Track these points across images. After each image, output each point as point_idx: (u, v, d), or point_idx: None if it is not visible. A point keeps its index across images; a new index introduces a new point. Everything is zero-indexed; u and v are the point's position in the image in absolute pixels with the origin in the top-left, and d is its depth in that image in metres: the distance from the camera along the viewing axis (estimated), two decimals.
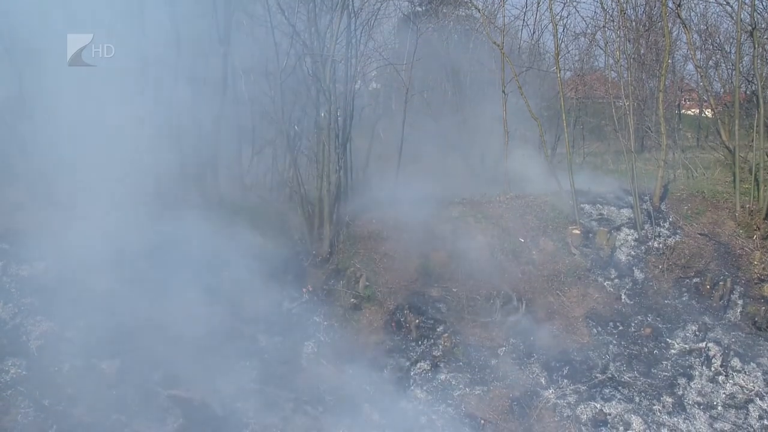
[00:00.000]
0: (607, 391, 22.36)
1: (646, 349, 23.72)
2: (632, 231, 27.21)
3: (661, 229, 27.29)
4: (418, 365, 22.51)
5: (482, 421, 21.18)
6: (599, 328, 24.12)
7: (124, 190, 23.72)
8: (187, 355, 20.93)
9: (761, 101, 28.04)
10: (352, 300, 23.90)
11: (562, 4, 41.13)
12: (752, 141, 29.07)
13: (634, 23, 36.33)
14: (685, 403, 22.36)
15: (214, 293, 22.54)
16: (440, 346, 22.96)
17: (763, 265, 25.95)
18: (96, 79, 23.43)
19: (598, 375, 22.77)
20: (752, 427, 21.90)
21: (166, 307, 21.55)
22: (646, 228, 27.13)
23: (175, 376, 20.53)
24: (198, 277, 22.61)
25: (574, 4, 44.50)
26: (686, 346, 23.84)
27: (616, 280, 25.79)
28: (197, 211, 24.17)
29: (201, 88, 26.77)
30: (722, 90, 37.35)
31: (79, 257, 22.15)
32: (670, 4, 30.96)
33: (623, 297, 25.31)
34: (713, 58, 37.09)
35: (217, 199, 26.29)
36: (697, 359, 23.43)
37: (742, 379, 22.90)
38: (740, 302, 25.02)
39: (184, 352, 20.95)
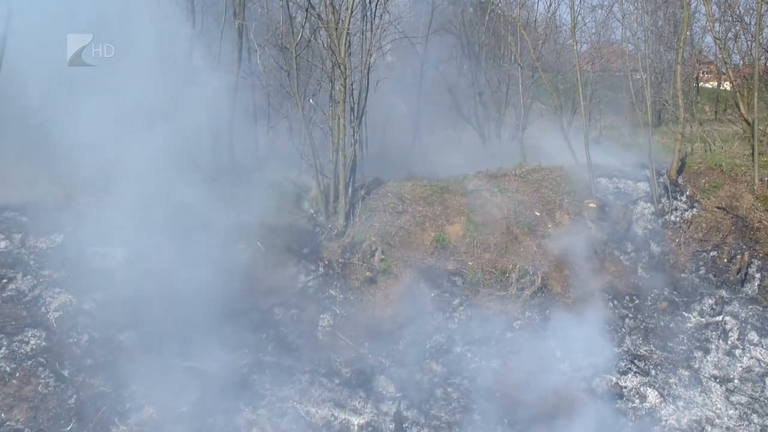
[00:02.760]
0: (623, 364, 22.36)
1: (662, 323, 23.69)
2: (649, 204, 27.09)
3: (678, 203, 27.15)
4: (434, 338, 22.54)
5: (498, 394, 21.23)
6: (615, 302, 24.09)
7: (139, 164, 23.78)
8: (203, 328, 21.07)
9: None
10: (368, 273, 23.92)
11: None
12: None
13: None
14: (702, 377, 22.34)
15: (230, 266, 22.62)
16: (456, 320, 22.98)
17: None
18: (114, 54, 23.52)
19: (614, 348, 22.76)
20: None
21: (182, 279, 21.65)
22: (663, 201, 27.00)
23: (192, 348, 20.67)
24: (214, 250, 22.70)
25: None
26: (703, 319, 23.78)
27: (633, 254, 25.71)
28: (213, 185, 24.24)
29: (216, 63, 26.75)
30: (741, 62, 36.94)
31: (95, 230, 22.32)
32: None
33: (639, 271, 25.24)
34: (732, 29, 36.58)
35: (232, 174, 26.31)
36: (714, 333, 23.38)
37: (759, 353, 22.84)
38: (758, 276, 24.90)
39: (200, 324, 21.09)
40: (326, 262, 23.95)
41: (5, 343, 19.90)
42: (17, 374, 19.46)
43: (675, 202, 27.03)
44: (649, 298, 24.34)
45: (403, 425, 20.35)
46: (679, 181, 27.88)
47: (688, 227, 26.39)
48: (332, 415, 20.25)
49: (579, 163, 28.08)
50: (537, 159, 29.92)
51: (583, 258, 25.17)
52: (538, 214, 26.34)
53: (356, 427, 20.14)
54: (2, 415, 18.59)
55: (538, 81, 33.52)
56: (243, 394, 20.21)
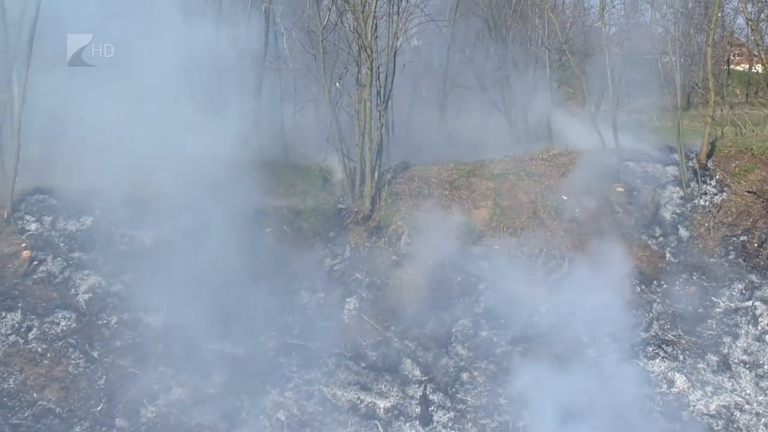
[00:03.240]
0: (651, 349, 22.23)
1: (690, 308, 23.49)
2: (677, 189, 26.83)
3: (708, 187, 26.85)
4: (460, 322, 22.54)
5: (524, 378, 21.20)
6: (643, 287, 23.92)
7: (167, 149, 23.92)
8: (230, 310, 21.24)
9: None
10: (394, 257, 23.94)
11: None
12: None
13: None
14: (731, 362, 22.16)
15: (257, 249, 22.75)
16: (482, 304, 22.94)
17: None
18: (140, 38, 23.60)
19: (641, 333, 22.62)
20: None
21: (209, 262, 21.82)
22: (691, 185, 26.72)
23: (219, 330, 20.84)
24: (241, 233, 22.81)
25: None
26: (732, 304, 23.56)
27: (661, 239, 25.51)
28: (240, 168, 24.30)
29: (243, 46, 26.77)
30: None
31: (124, 212, 22.54)
32: None
33: (668, 255, 25.04)
34: (765, 10, 36.05)
35: (259, 157, 26.39)
36: (744, 318, 23.16)
37: None
38: None
39: (228, 307, 21.26)
40: (352, 246, 23.98)
41: (36, 324, 20.19)
42: (48, 355, 19.74)
43: (704, 186, 26.74)
44: (678, 282, 24.15)
45: (429, 408, 20.40)
46: (709, 165, 27.56)
47: (718, 211, 26.11)
48: (358, 398, 20.35)
49: (606, 147, 27.84)
50: (564, 143, 29.70)
51: (611, 242, 24.98)
52: (565, 198, 26.16)
53: (382, 410, 20.22)
54: (34, 394, 18.88)
55: (566, 64, 33.22)
56: (270, 377, 20.36)
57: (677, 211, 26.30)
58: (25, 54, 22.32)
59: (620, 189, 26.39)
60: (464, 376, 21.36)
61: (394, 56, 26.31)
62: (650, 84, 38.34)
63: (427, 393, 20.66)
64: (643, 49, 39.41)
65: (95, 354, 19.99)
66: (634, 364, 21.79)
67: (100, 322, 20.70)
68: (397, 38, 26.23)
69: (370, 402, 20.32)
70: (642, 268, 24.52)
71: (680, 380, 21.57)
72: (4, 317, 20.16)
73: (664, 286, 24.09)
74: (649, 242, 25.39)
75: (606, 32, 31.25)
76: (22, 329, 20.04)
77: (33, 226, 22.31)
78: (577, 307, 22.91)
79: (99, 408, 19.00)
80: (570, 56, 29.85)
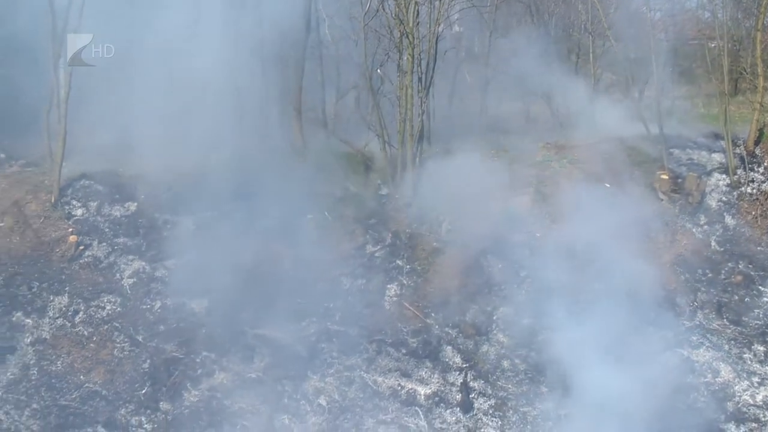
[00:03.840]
0: (695, 338, 21.93)
1: (736, 297, 23.13)
2: (724, 176, 26.41)
3: (755, 174, 26.39)
4: (501, 310, 22.44)
5: (566, 365, 21.05)
6: (687, 275, 23.60)
7: (210, 134, 24.13)
8: (272, 296, 21.39)
9: None
10: (435, 244, 23.89)
11: None
12: None
13: None
14: None
15: (298, 236, 22.90)
16: (524, 291, 22.81)
17: None
18: (183, 26, 23.79)
19: (685, 322, 22.34)
20: None
21: (252, 248, 22.01)
22: (738, 173, 26.29)
23: (261, 315, 21.02)
24: (283, 219, 22.99)
25: None
26: None
27: (706, 227, 25.13)
28: (281, 155, 24.47)
29: (285, 33, 26.83)
30: None
31: (168, 198, 22.81)
32: None
33: (713, 244, 24.67)
34: None
35: (301, 143, 26.51)
36: None
37: None
38: None
39: (270, 292, 21.42)
40: (393, 233, 23.99)
41: (83, 308, 20.56)
42: (94, 338, 20.09)
43: (751, 173, 26.29)
44: (723, 271, 23.80)
45: (470, 395, 20.37)
46: (757, 152, 27.07)
47: (766, 199, 25.65)
48: (399, 384, 20.38)
49: (651, 134, 27.46)
50: (608, 130, 29.31)
51: (654, 230, 24.70)
52: (608, 185, 25.86)
53: (422, 397, 20.23)
54: (81, 377, 19.23)
55: (610, 50, 32.76)
56: (311, 362, 20.49)
57: (723, 198, 25.89)
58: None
59: (664, 176, 26.04)
60: (505, 363, 21.28)
61: (436, 43, 26.19)
62: (696, 70, 37.79)
63: (468, 380, 20.63)
64: (690, 34, 38.81)
65: (140, 338, 20.28)
66: (678, 354, 21.50)
67: (144, 306, 20.99)
68: (439, 24, 26.09)
69: (411, 388, 20.33)
70: (686, 257, 24.19)
71: (725, 370, 21.25)
72: (52, 301, 20.56)
73: (709, 274, 23.75)
74: (694, 230, 25.03)
75: (651, 17, 30.75)
76: (69, 313, 20.42)
77: (79, 212, 22.67)
78: (620, 295, 22.62)
79: (143, 391, 19.29)
80: (614, 42, 29.39)
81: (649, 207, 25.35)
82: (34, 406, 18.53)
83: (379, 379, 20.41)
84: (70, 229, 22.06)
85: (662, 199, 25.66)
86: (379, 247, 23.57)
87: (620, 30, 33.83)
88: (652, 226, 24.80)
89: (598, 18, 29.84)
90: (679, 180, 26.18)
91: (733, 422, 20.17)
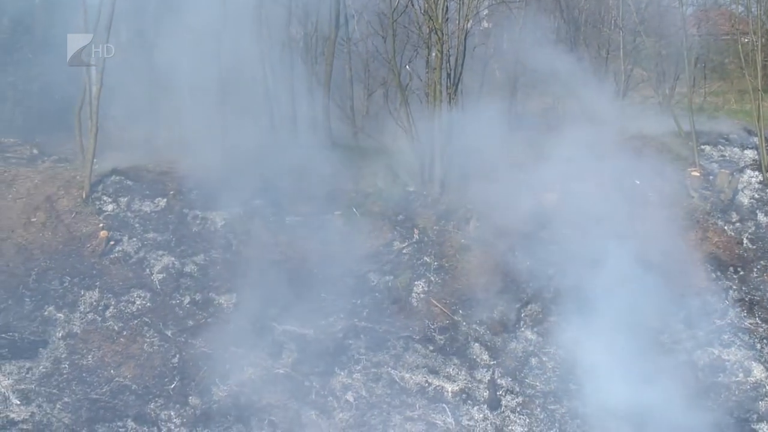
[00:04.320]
0: (726, 337, 21.70)
1: None
2: (756, 173, 26.10)
3: None
4: (529, 307, 22.36)
5: (593, 366, 20.93)
6: (718, 273, 23.33)
7: (239, 130, 24.27)
8: (300, 291, 21.47)
9: None
10: (463, 241, 23.82)
11: None
12: None
13: None
14: None
15: (326, 232, 22.96)
16: (552, 289, 22.69)
17: None
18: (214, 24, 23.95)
19: (716, 320, 22.09)
20: None
21: (278, 243, 22.11)
22: None
23: (289, 311, 21.12)
24: (311, 215, 23.08)
25: None
26: None
27: (738, 224, 24.83)
28: (309, 151, 24.51)
29: (313, 29, 26.95)
30: None
31: (197, 194, 22.97)
32: None
33: (745, 241, 24.38)
34: None
35: (329, 139, 26.54)
36: None
37: None
38: None
39: (297, 288, 21.50)
40: (421, 229, 23.95)
41: (113, 303, 20.77)
42: (124, 333, 20.29)
43: None
44: (756, 269, 23.51)
45: (498, 393, 20.31)
46: None
47: None
48: (426, 381, 20.38)
49: (682, 130, 27.19)
50: (637, 126, 29.05)
51: (685, 227, 24.44)
52: (638, 182, 25.63)
53: (450, 394, 20.21)
54: (111, 371, 19.44)
55: (640, 46, 32.49)
56: (338, 358, 20.53)
57: (755, 196, 25.58)
58: (103, 37, 22.83)
59: (695, 173, 25.77)
60: (533, 361, 21.19)
61: (465, 39, 26.09)
62: (728, 66, 37.33)
63: (496, 377, 20.57)
64: (722, 29, 38.34)
65: (169, 333, 20.45)
66: (708, 352, 21.29)
67: (174, 301, 21.15)
68: (468, 20, 25.98)
69: (438, 385, 20.32)
70: (718, 254, 23.93)
71: (757, 369, 21.02)
72: (83, 295, 20.79)
73: (741, 272, 23.47)
74: (726, 228, 24.75)
75: (683, 12, 30.42)
76: (100, 307, 20.64)
77: (110, 207, 22.88)
78: (651, 293, 22.44)
79: (173, 386, 19.45)
80: (645, 37, 29.10)
81: (680, 204, 25.09)
82: (66, 399, 18.77)
83: (407, 376, 20.41)
84: (101, 225, 22.28)
85: (693, 197, 25.39)
86: (406, 243, 23.55)
87: (651, 25, 33.57)
88: (683, 224, 24.54)
89: (630, 13, 29.55)
90: (711, 177, 25.91)
91: (765, 422, 19.95)
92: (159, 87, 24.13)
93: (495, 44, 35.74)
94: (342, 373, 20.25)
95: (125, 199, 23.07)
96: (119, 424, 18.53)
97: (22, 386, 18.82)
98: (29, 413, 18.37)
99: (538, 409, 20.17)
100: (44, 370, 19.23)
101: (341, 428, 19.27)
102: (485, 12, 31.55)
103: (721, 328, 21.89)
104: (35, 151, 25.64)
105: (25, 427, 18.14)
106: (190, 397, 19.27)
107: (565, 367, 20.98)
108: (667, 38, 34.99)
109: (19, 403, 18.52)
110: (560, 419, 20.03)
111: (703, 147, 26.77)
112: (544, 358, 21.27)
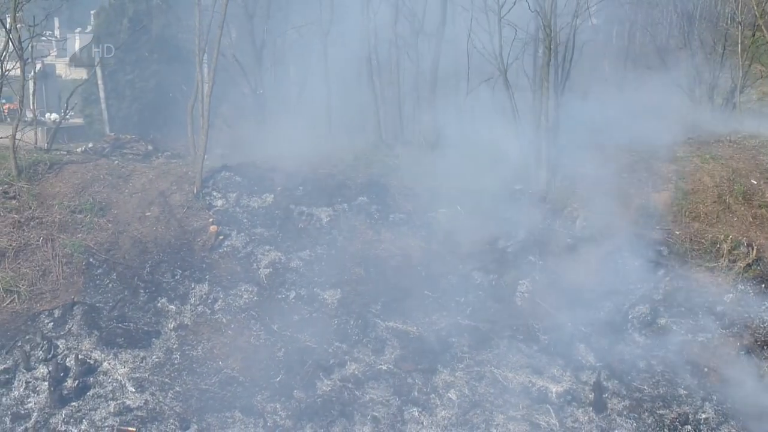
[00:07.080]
0: None
1: None
2: None
3: None
4: (637, 308, 21.77)
5: (705, 369, 20.25)
6: None
7: (344, 128, 24.54)
8: (404, 289, 21.56)
9: None
10: (569, 240, 23.40)
11: None
12: None
13: None
14: None
15: (430, 229, 22.96)
16: (661, 290, 22.04)
17: None
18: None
19: None
20: None
21: (383, 240, 22.23)
22: None
23: (392, 308, 21.23)
24: (415, 213, 23.13)
25: None
26: None
27: None
28: (415, 148, 24.60)
29: (420, 26, 26.99)
30: None
31: (303, 191, 23.33)
32: None
33: None
34: None
35: (433, 136, 26.49)
36: None
37: None
38: None
39: (401, 285, 21.59)
40: (526, 228, 23.63)
41: (222, 296, 21.32)
42: (232, 325, 20.81)
43: None
44: None
45: (603, 395, 19.87)
46: None
47: None
48: (530, 381, 20.13)
49: None
50: (755, 124, 27.94)
51: None
52: (755, 182, 24.66)
53: (554, 395, 19.90)
54: (220, 362, 19.97)
55: (760, 40, 31.18)
56: (441, 356, 20.51)
57: None
58: (215, 37, 23.45)
59: None
60: (641, 364, 20.63)
61: (574, 35, 25.58)
62: None
63: (602, 379, 20.12)
64: None
65: (275, 327, 20.83)
66: None
67: (280, 296, 21.55)
68: (577, 16, 25.46)
69: (542, 386, 20.04)
70: None
71: None
72: (194, 288, 21.43)
73: None
74: None
75: None
76: (209, 300, 21.23)
77: (219, 202, 23.48)
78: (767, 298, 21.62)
79: (278, 379, 19.81)
80: (765, 31, 27.89)
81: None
82: (177, 388, 19.37)
83: (510, 375, 20.21)
84: (211, 219, 22.91)
85: None
86: (511, 242, 23.29)
87: None
88: None
89: (749, 7, 28.37)
90: None
91: None
92: (267, 87, 24.60)
93: (605, 40, 35.02)
94: (445, 371, 20.21)
95: (234, 194, 23.64)
96: (227, 414, 19.00)
97: (137, 375, 19.55)
98: (143, 401, 19.06)
99: (646, 414, 19.62)
100: (157, 359, 19.91)
101: (443, 426, 19.22)
102: (595, 8, 30.83)
103: None
104: (150, 147, 26.53)
105: (139, 413, 18.83)
106: (295, 391, 19.58)
107: (674, 372, 20.34)
108: None
109: (134, 390, 19.23)
110: (669, 425, 19.43)
111: None
112: (652, 362, 20.67)
